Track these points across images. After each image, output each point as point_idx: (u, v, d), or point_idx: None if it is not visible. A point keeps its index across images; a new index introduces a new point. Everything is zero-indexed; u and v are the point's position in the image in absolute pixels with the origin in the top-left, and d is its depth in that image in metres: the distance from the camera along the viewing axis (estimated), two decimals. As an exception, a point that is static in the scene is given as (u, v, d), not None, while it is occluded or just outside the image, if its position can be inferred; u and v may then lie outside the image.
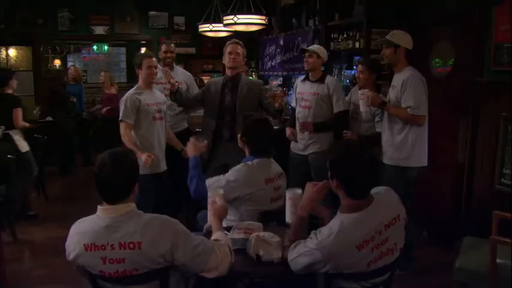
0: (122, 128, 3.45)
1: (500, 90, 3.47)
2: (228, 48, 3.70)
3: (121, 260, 1.75)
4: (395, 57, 3.34)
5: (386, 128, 3.45)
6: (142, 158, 3.21)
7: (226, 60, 3.72)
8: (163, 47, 4.41)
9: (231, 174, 2.52)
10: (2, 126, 4.57)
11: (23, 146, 4.71)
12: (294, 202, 2.26)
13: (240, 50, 3.71)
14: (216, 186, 2.47)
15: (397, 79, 3.37)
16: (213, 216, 2.16)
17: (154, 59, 3.58)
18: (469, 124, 3.80)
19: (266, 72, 7.25)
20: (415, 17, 4.33)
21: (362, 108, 3.47)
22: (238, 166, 2.56)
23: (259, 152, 2.59)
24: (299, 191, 2.28)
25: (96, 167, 1.79)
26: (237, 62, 3.72)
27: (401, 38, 3.32)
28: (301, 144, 3.99)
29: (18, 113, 4.63)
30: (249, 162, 2.56)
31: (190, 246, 1.80)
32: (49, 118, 6.57)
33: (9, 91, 4.68)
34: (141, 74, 3.55)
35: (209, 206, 2.24)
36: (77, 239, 1.79)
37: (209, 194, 2.35)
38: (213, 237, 2.03)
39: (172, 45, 4.49)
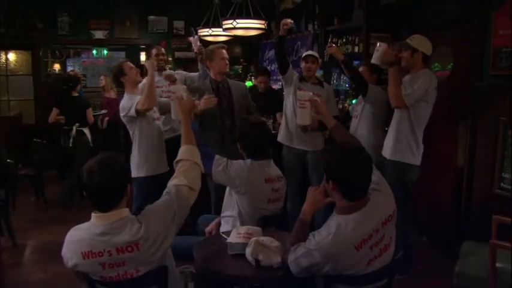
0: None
1: (500, 95, 3.47)
2: (220, 54, 3.70)
3: (121, 263, 1.75)
4: (412, 60, 3.31)
5: (390, 130, 3.44)
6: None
7: (219, 65, 3.71)
8: (154, 51, 4.45)
9: (234, 161, 2.57)
10: (77, 124, 5.31)
11: (90, 141, 5.49)
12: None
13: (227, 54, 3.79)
14: (219, 163, 2.54)
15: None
16: (181, 112, 2.21)
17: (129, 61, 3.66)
18: (468, 128, 3.80)
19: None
20: (414, 21, 4.33)
21: (374, 60, 3.39)
22: (241, 160, 2.61)
23: (257, 155, 2.60)
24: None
25: (85, 175, 1.72)
26: (228, 66, 3.82)
27: (420, 43, 3.29)
28: (295, 139, 3.94)
29: (91, 112, 5.55)
30: (251, 162, 2.59)
31: (171, 216, 1.84)
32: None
33: (76, 94, 5.51)
34: (127, 79, 3.49)
35: (174, 103, 2.33)
36: (73, 248, 1.78)
37: (172, 88, 2.40)
38: (178, 157, 2.06)
39: (163, 49, 4.55)
